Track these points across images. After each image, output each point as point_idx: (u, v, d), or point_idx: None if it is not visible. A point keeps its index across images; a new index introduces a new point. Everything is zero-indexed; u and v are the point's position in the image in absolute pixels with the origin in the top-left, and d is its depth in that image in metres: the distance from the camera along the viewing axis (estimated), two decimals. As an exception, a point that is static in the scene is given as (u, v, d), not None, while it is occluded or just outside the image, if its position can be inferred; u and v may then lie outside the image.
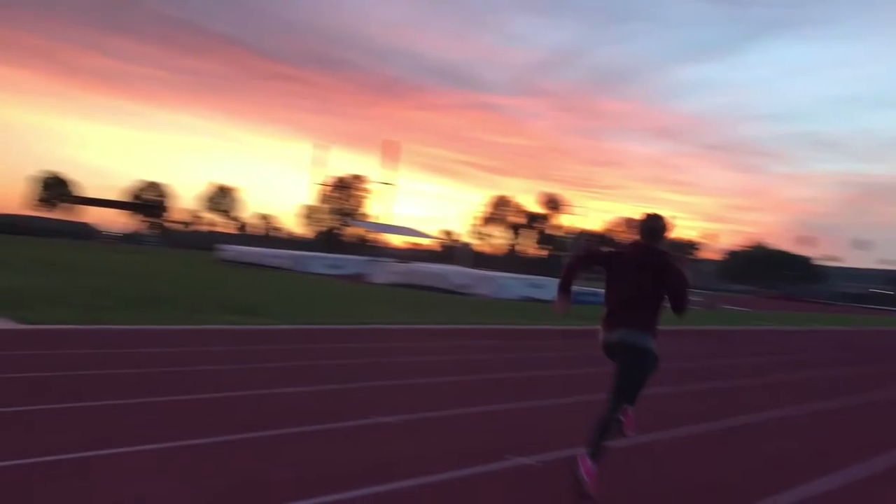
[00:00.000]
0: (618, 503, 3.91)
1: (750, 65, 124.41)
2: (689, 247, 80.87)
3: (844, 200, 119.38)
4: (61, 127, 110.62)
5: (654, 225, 4.16)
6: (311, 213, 79.74)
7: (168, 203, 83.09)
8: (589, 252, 4.80)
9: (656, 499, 4.10)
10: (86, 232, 69.82)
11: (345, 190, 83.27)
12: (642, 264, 4.08)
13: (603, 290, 4.25)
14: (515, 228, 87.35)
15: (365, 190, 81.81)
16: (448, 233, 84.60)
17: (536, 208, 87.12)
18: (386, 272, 29.22)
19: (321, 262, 35.20)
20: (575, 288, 4.41)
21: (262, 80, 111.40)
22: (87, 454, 3.99)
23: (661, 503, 4.05)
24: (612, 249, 4.47)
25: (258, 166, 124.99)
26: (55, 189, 78.58)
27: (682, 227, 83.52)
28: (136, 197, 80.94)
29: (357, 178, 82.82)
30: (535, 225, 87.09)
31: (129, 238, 70.43)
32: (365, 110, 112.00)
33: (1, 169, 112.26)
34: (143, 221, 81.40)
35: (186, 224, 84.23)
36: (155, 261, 33.25)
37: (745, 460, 5.18)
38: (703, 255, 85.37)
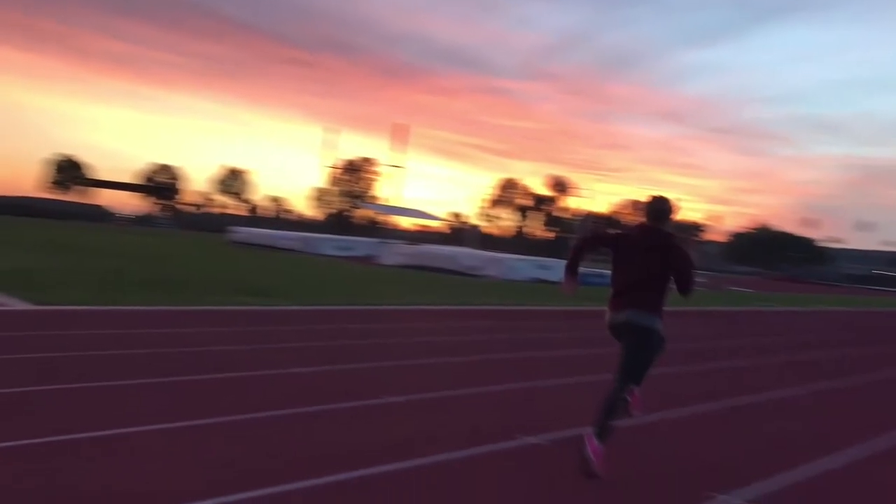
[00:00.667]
0: (624, 482, 3.98)
1: (754, 49, 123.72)
2: (694, 229, 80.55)
3: (847, 183, 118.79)
4: (74, 110, 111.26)
5: (659, 207, 4.21)
6: (321, 196, 79.86)
7: (180, 186, 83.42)
8: (596, 234, 4.86)
9: (662, 478, 4.17)
10: (99, 214, 70.29)
11: (355, 173, 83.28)
12: (648, 246, 4.13)
13: (609, 272, 4.32)
14: (523, 211, 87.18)
15: (375, 173, 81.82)
16: (457, 215, 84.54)
17: (544, 191, 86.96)
18: (395, 254, 29.31)
19: (331, 244, 35.33)
20: (582, 269, 4.48)
21: (273, 64, 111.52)
22: (99, 434, 4.03)
23: (667, 482, 4.12)
24: (619, 231, 4.53)
25: (269, 149, 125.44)
26: (69, 172, 79.00)
27: (688, 210, 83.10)
28: (149, 180, 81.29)
29: (367, 160, 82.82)
30: (542, 207, 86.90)
31: (141, 220, 70.83)
32: (375, 94, 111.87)
33: (15, 152, 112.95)
34: (156, 204, 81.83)
35: (198, 206, 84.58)
36: (167, 243, 33.47)
37: (748, 440, 5.25)
38: (709, 236, 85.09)
